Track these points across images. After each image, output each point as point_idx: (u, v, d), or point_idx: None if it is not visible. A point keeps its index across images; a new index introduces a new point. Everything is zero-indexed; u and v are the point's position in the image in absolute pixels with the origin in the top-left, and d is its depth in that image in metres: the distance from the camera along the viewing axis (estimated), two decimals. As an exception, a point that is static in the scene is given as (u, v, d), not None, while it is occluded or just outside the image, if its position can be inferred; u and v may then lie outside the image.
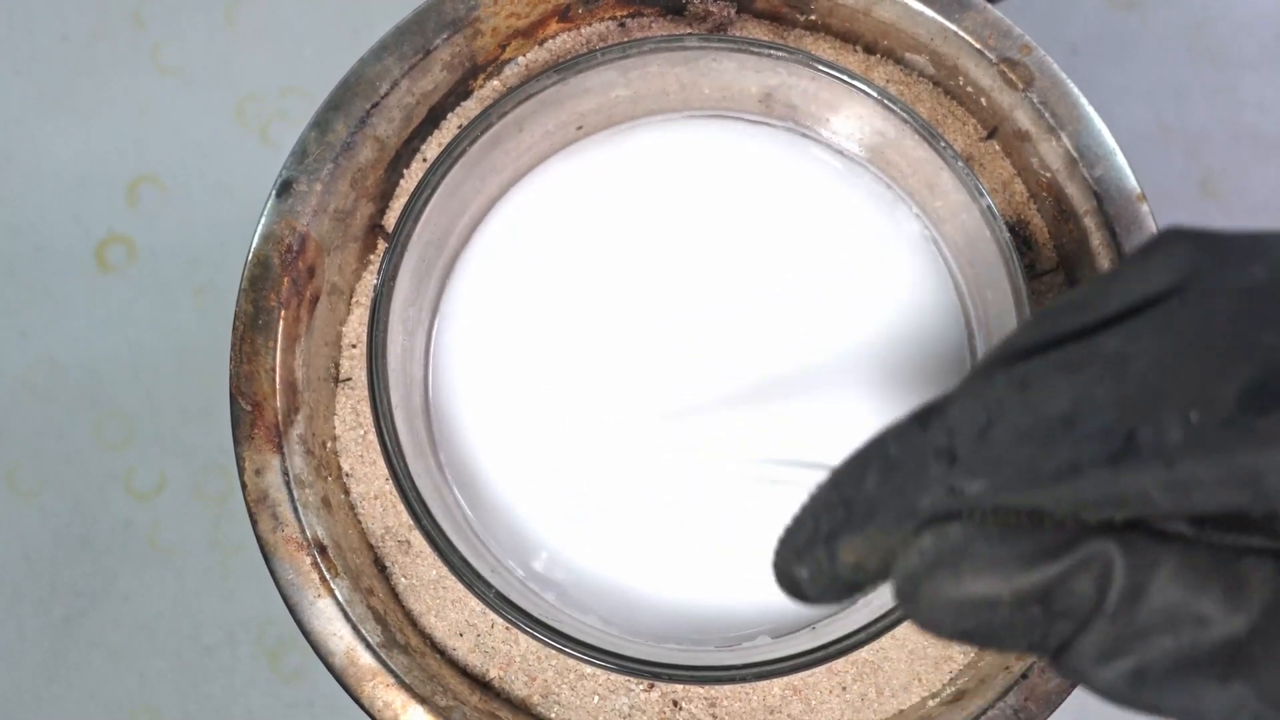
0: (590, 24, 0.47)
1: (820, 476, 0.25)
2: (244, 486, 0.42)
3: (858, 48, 0.46)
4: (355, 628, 0.41)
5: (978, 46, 0.44)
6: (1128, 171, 0.43)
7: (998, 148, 0.45)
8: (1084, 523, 0.21)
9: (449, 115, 0.46)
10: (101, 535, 0.67)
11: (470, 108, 0.46)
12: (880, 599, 0.41)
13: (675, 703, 0.42)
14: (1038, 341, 0.23)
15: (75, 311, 0.69)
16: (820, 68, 0.41)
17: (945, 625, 0.22)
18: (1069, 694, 0.40)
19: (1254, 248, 0.22)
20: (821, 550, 0.24)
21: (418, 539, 0.43)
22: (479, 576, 0.39)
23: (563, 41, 0.47)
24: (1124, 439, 0.20)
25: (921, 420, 0.23)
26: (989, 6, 0.44)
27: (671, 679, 0.38)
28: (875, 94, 0.41)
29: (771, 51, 0.42)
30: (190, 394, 0.68)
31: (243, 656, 0.66)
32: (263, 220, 0.43)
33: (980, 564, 0.21)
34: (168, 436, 0.68)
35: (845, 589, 0.24)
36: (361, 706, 0.41)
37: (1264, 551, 0.20)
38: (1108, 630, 0.21)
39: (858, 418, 0.44)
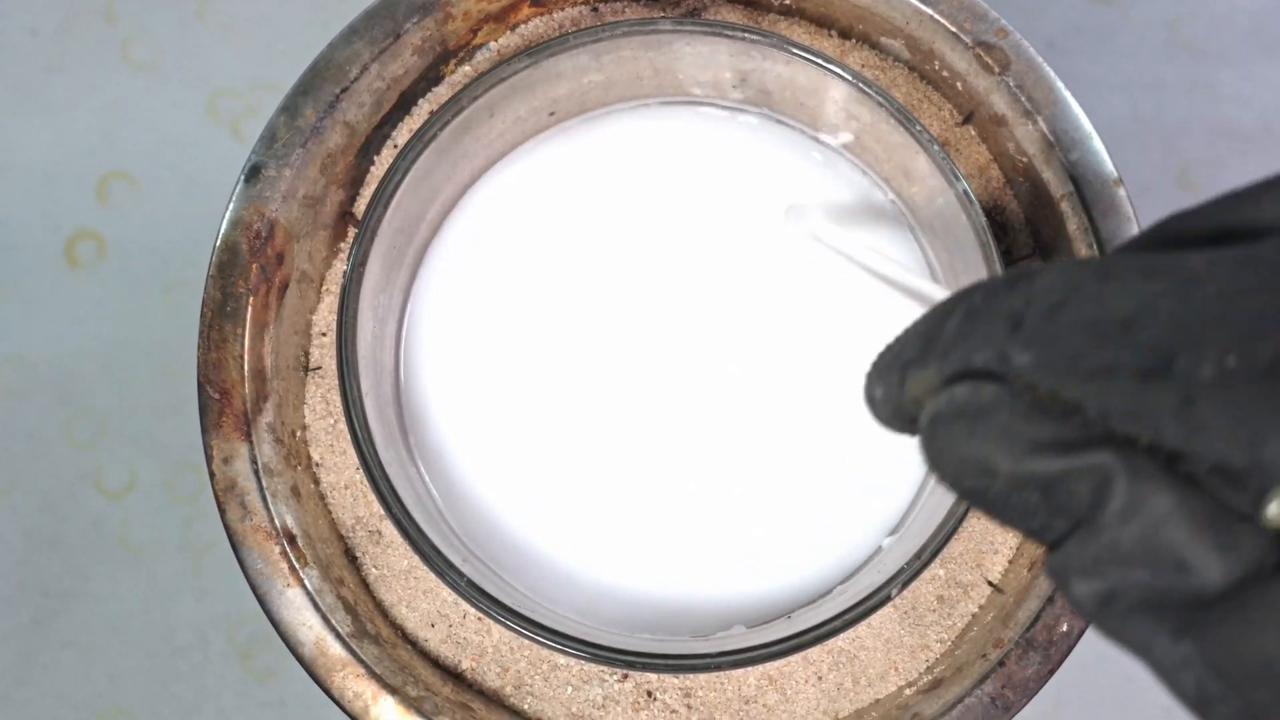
0: (563, 8, 0.46)
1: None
2: (212, 475, 0.41)
3: (833, 32, 0.46)
4: (325, 618, 0.40)
5: (953, 30, 0.43)
6: (1105, 156, 0.42)
7: (974, 132, 0.45)
8: (1110, 431, 0.21)
9: (420, 100, 0.46)
10: (71, 535, 0.66)
11: (441, 93, 0.46)
12: (856, 586, 0.41)
13: (649, 693, 0.41)
14: (1148, 240, 0.23)
15: (44, 308, 0.68)
16: (795, 52, 0.41)
17: (948, 477, 0.23)
18: (1046, 681, 0.40)
19: None
20: (896, 375, 0.24)
21: (389, 529, 0.43)
22: (450, 565, 0.38)
23: (535, 26, 0.46)
24: (1164, 358, 0.20)
25: (1011, 282, 0.23)
26: (964, -11, 0.44)
27: (645, 668, 0.38)
28: (850, 78, 0.41)
29: (746, 35, 0.41)
30: (161, 391, 0.67)
31: (214, 656, 0.65)
32: (231, 206, 0.42)
33: (994, 431, 0.22)
34: (138, 435, 0.67)
35: (907, 419, 0.25)
36: (331, 697, 0.40)
37: (1253, 520, 0.20)
38: (1092, 544, 0.21)
39: (830, 404, 0.43)
